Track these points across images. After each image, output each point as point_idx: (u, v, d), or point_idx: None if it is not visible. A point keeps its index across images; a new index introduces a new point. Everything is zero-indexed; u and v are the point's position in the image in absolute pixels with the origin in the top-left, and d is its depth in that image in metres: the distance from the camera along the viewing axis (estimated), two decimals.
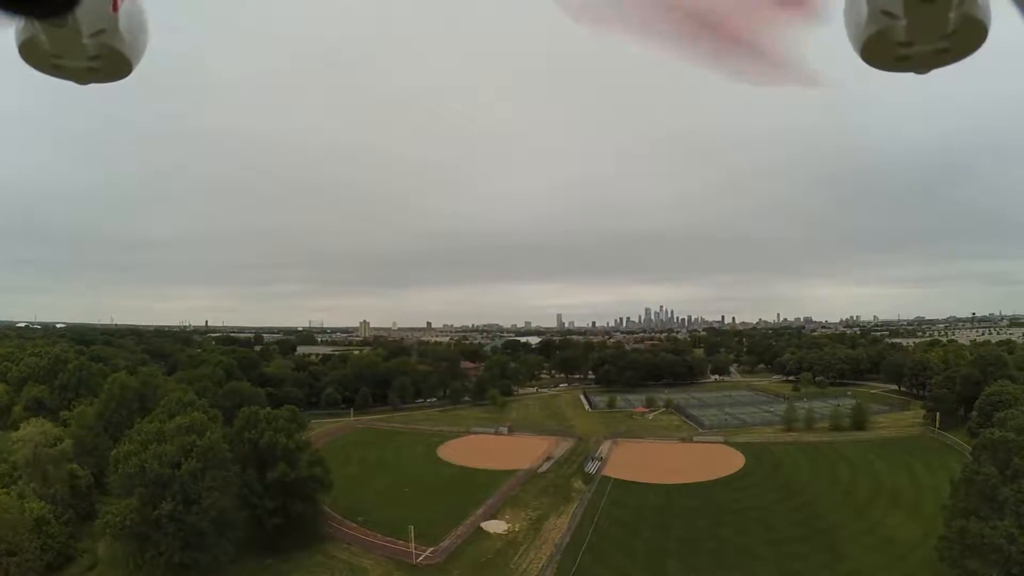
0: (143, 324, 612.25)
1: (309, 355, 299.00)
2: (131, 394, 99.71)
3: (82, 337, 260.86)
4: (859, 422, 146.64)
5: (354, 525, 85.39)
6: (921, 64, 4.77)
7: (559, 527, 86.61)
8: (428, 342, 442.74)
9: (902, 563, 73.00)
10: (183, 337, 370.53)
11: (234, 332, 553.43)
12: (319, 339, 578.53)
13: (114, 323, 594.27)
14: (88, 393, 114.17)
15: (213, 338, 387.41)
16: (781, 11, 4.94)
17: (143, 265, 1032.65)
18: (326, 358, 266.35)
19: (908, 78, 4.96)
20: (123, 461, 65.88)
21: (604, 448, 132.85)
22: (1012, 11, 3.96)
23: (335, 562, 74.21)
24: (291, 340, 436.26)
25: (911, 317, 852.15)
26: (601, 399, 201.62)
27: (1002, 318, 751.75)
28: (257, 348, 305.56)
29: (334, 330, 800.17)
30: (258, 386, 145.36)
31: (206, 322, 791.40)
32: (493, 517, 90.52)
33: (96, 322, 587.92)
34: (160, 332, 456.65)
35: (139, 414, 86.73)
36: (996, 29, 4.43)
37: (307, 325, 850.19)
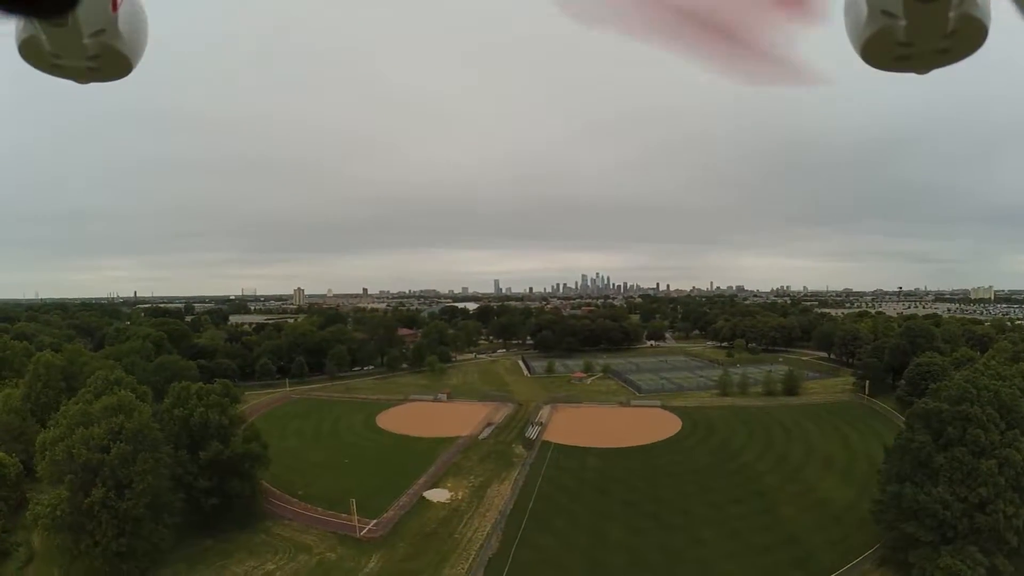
0: (70, 297, 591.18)
1: (242, 324, 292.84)
2: (57, 373, 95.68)
3: (4, 314, 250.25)
4: (792, 388, 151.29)
5: (294, 500, 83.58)
6: (921, 64, 4.73)
7: (502, 494, 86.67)
8: (364, 309, 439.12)
9: (837, 524, 75.55)
10: (111, 310, 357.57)
11: (164, 303, 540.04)
12: (252, 308, 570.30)
13: (39, 298, 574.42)
14: (12, 374, 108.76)
15: (142, 309, 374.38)
16: (781, 10, 4.76)
17: (70, 238, 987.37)
18: (260, 327, 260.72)
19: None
20: (50, 447, 62.64)
21: (544, 413, 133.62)
22: (1012, 11, 3.84)
23: (277, 540, 72.44)
24: (223, 309, 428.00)
25: (839, 288, 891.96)
26: (540, 364, 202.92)
27: (927, 293, 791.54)
28: (188, 319, 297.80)
29: (267, 298, 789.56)
30: (190, 358, 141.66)
31: (135, 293, 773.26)
32: (435, 486, 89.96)
33: (21, 297, 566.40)
34: (87, 305, 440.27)
35: (66, 394, 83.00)
36: (995, 29, 4.34)
37: (240, 294, 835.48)
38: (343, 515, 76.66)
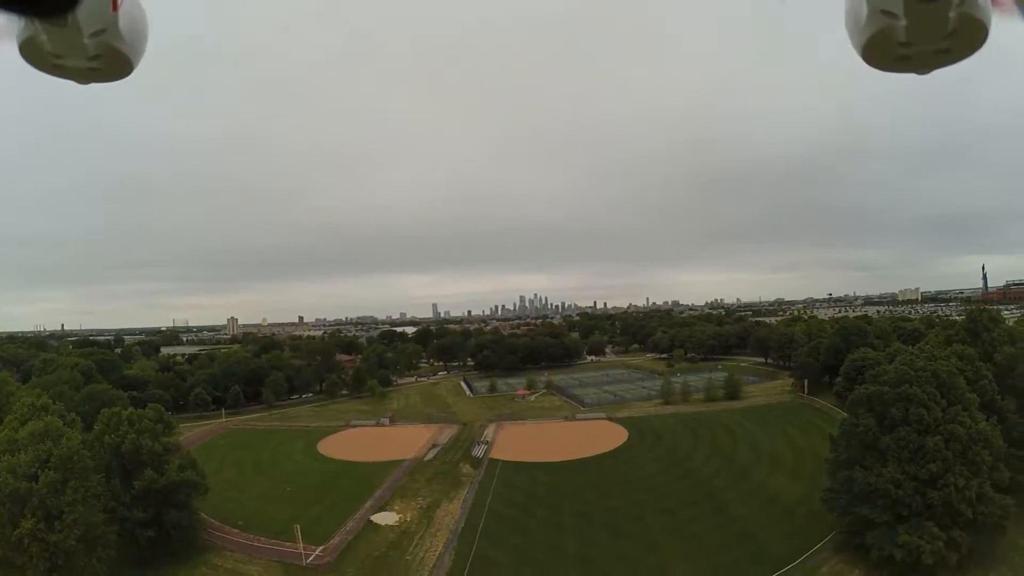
0: None
1: (174, 355, 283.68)
2: None
3: None
4: (733, 392, 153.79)
5: (235, 531, 79.80)
6: (921, 64, 4.82)
7: (452, 513, 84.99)
8: (300, 337, 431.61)
9: (790, 518, 76.90)
10: (37, 342, 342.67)
11: (93, 335, 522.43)
12: (185, 339, 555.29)
13: None
14: None
15: (70, 342, 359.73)
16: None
17: None
18: (192, 357, 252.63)
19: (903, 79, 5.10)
20: None
21: (489, 432, 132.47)
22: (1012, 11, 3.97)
23: (220, 572, 69.05)
24: (154, 341, 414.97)
25: (772, 298, 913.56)
26: (482, 384, 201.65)
27: (856, 298, 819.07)
28: (118, 351, 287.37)
29: (200, 329, 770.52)
30: (120, 389, 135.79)
31: (62, 326, 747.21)
32: (383, 509, 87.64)
33: None
34: (12, 338, 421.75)
35: None
36: (996, 29, 4.36)
37: (172, 325, 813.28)
38: (287, 543, 73.57)
